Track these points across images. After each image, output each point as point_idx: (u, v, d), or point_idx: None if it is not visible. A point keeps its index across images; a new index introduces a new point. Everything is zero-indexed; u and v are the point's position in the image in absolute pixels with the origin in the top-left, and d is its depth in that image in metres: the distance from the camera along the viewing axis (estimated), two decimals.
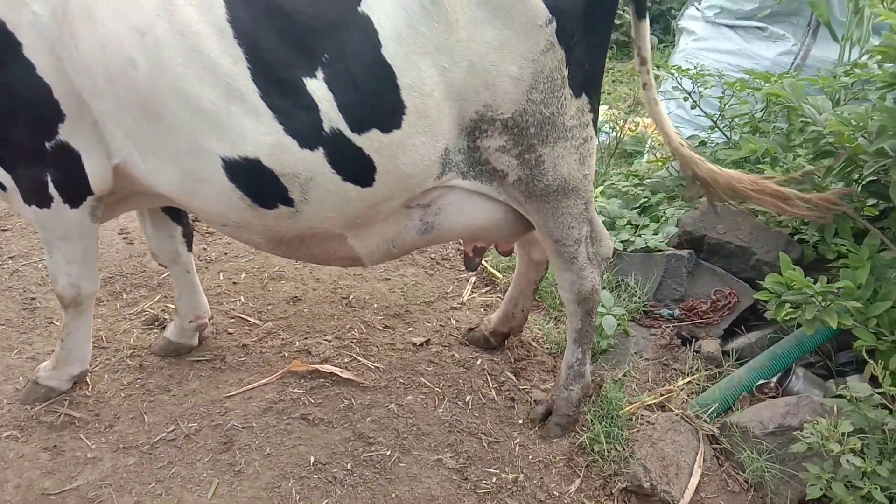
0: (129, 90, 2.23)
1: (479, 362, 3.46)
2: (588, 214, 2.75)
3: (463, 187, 2.53)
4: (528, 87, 2.35)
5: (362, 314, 3.75)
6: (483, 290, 4.03)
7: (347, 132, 2.25)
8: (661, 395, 3.35)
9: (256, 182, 2.32)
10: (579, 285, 2.83)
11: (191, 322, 3.29)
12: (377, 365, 3.37)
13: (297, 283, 3.96)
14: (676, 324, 3.78)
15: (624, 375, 3.45)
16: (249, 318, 3.64)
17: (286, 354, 3.40)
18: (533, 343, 3.60)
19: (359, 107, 2.24)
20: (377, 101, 2.24)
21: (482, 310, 3.87)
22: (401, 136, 2.29)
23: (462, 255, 3.37)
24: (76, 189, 2.51)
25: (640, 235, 4.04)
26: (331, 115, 2.23)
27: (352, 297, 3.87)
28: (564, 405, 3.06)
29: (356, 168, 2.33)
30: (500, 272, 4.10)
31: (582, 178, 2.61)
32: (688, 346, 3.70)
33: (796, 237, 3.89)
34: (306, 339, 3.52)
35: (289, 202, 2.37)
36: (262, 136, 2.23)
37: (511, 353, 3.53)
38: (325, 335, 3.55)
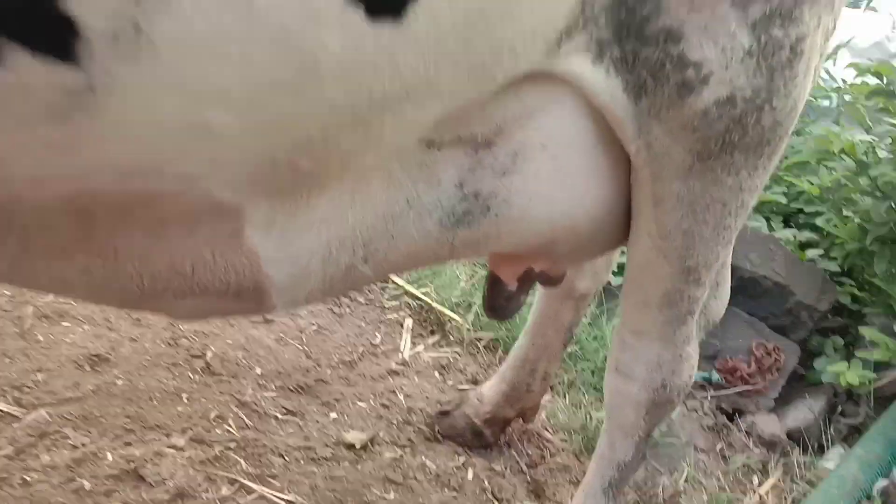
0: None
1: (470, 476, 1.91)
2: None
3: (587, 89, 0.97)
4: None
5: (237, 386, 1.99)
6: (430, 341, 2.47)
7: None
8: None
9: None
10: (670, 371, 1.33)
11: None
12: (291, 499, 1.67)
13: (96, 327, 2.06)
14: (714, 392, 2.59)
15: (686, 482, 2.14)
16: None
17: (85, 485, 1.55)
18: (546, 432, 2.15)
19: None
20: None
21: (436, 374, 2.33)
22: None
23: (485, 291, 1.50)
24: None
25: None
26: None
27: (209, 355, 2.07)
28: None
29: None
30: (451, 308, 2.57)
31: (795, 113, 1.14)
32: (733, 422, 2.53)
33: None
34: (129, 444, 1.69)
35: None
36: None
37: (517, 454, 2.04)
38: (167, 432, 1.75)
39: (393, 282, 2.66)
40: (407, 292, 2.62)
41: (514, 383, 1.97)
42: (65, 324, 2.01)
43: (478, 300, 2.61)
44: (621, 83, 0.95)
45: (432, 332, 2.51)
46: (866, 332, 2.26)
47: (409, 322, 2.50)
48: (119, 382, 1.87)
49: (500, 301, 1.33)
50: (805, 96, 1.07)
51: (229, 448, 1.76)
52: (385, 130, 0.81)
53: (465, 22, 0.76)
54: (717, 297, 1.39)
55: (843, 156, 2.51)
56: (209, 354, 2.06)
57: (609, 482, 1.45)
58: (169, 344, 2.06)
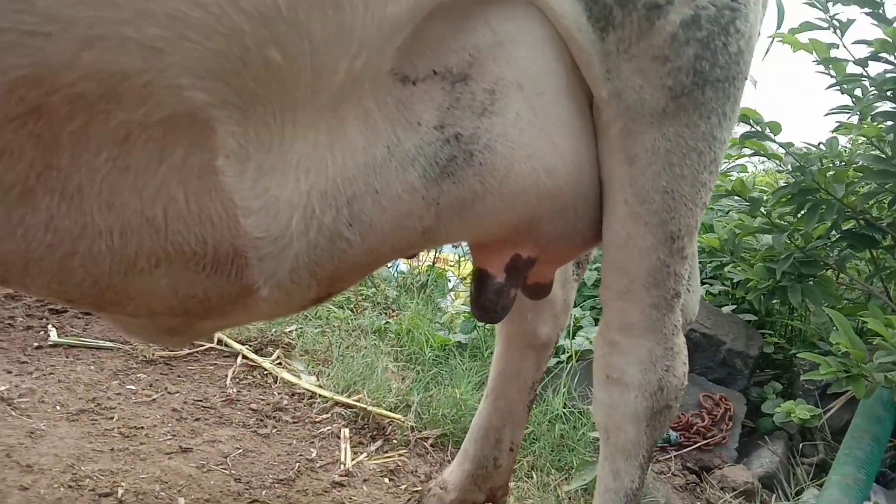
0: None
1: None
2: None
3: (552, 10, 0.96)
4: None
5: None
6: (373, 447, 2.23)
7: None
8: None
9: None
10: (665, 368, 1.23)
11: None
12: None
13: None
14: (676, 452, 2.47)
15: None
16: None
17: None
18: None
19: None
20: None
21: (386, 480, 2.08)
22: None
23: (471, 291, 1.27)
24: None
25: (580, 335, 2.74)
26: None
27: (120, 492, 1.75)
28: None
29: None
30: (388, 409, 2.35)
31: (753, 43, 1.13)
32: (703, 479, 2.40)
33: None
34: None
35: None
36: None
37: None
38: None
39: (321, 395, 2.44)
40: (338, 402, 2.41)
41: (479, 459, 1.78)
42: None
43: (416, 398, 2.43)
44: (584, 9, 0.96)
45: (373, 439, 2.28)
46: (805, 355, 2.26)
47: (345, 432, 2.27)
48: None
49: (488, 296, 1.20)
50: (759, 26, 1.12)
51: None
52: (356, 19, 0.77)
53: None
54: (690, 289, 1.34)
55: (736, 197, 2.64)
56: (120, 491, 1.74)
57: None
58: (70, 486, 1.73)
